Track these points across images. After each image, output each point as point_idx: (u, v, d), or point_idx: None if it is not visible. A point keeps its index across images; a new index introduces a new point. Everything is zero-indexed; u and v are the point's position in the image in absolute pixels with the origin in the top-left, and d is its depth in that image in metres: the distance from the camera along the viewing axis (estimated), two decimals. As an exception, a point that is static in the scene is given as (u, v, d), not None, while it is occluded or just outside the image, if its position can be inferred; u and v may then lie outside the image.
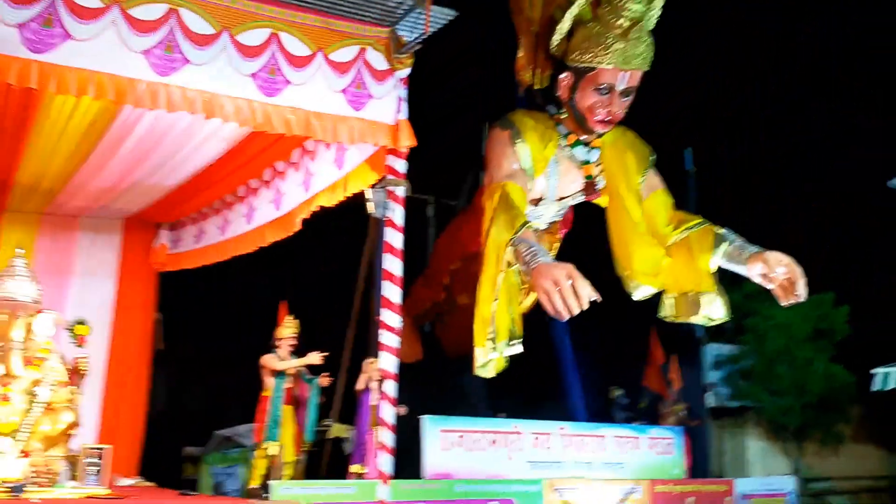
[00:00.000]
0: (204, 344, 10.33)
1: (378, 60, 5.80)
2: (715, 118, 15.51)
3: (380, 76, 5.77)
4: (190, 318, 10.01)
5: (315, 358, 7.63)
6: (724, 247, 5.12)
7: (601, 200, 5.61)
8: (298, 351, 7.87)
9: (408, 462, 8.66)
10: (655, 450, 10.44)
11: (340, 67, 5.67)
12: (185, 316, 9.78)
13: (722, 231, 5.20)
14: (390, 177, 5.83)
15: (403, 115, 5.77)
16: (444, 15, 5.54)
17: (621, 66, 4.86)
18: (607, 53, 4.85)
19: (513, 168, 5.10)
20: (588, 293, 3.97)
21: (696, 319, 5.12)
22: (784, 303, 4.93)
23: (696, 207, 12.23)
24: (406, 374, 8.28)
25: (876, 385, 10.64)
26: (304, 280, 10.99)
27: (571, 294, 3.97)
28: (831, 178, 15.74)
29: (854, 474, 13.97)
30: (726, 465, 13.35)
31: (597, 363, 12.37)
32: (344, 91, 5.68)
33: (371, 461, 7.43)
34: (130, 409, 8.76)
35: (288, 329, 7.87)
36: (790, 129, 16.46)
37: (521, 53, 5.66)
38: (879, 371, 10.65)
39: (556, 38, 5.11)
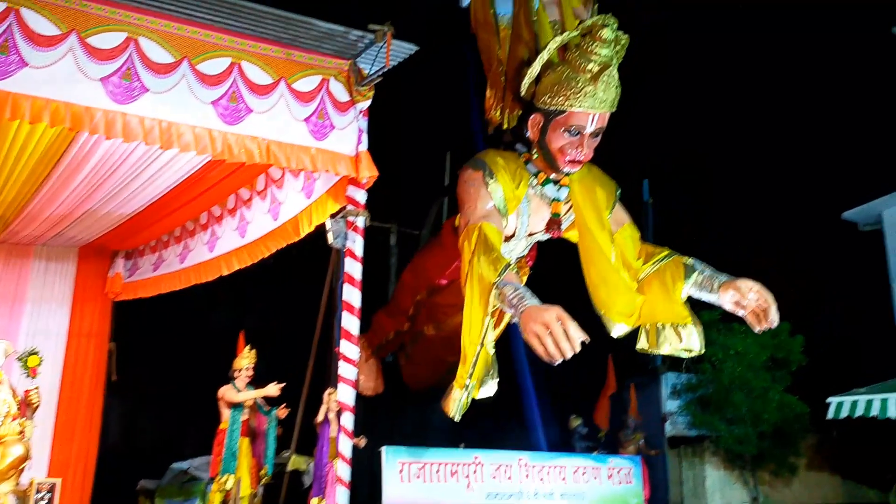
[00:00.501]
0: (159, 374, 10.15)
1: (340, 91, 5.81)
2: (672, 150, 15.79)
3: (342, 107, 5.78)
4: (145, 348, 9.85)
5: (273, 389, 7.54)
6: (694, 276, 5.19)
7: (571, 236, 5.66)
8: (256, 381, 7.78)
9: (369, 494, 8.58)
10: (615, 479, 10.48)
11: (303, 97, 5.67)
12: (141, 345, 9.63)
13: (691, 261, 5.27)
14: (350, 207, 5.83)
15: (364, 146, 5.79)
16: (404, 49, 5.58)
17: (591, 109, 4.93)
18: (577, 97, 4.91)
19: (487, 208, 5.12)
20: (579, 336, 3.96)
21: (674, 351, 5.16)
22: (757, 329, 5.01)
23: (653, 237, 12.48)
24: (368, 406, 8.24)
25: (831, 413, 10.81)
26: (263, 310, 10.89)
27: (563, 337, 3.95)
28: (786, 209, 16.10)
29: (810, 502, 14.14)
30: (685, 495, 13.43)
31: (557, 392, 12.42)
32: (307, 120, 5.66)
33: (330, 494, 7.35)
34: (83, 442, 8.58)
35: (246, 359, 7.79)
36: (747, 160, 16.82)
37: (489, 93, 5.73)
38: (834, 400, 10.83)
39: (526, 81, 5.17)
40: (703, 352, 5.16)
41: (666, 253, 5.34)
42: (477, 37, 5.97)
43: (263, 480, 7.85)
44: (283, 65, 5.62)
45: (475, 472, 9.17)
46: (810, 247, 15.64)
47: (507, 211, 5.21)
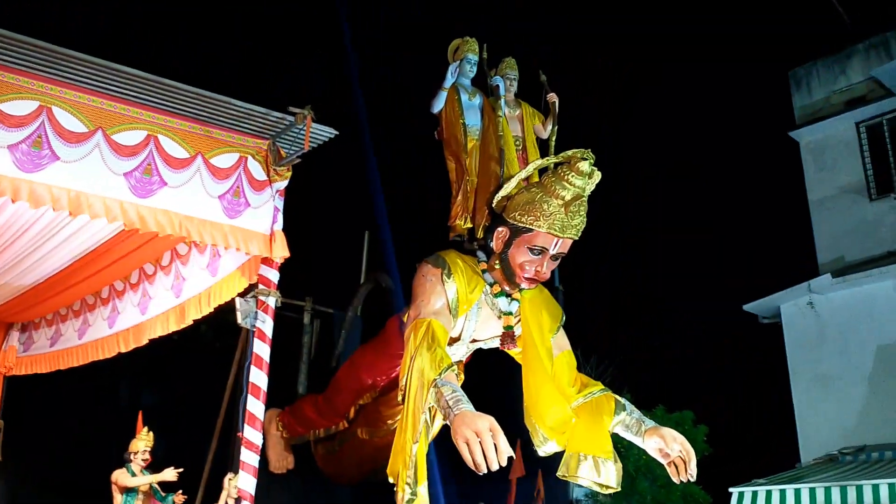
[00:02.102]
0: (50, 455, 9.60)
1: (258, 170, 5.79)
2: (583, 240, 16.25)
3: (258, 186, 5.76)
4: (36, 427, 9.34)
5: (170, 474, 7.22)
6: (623, 415, 5.32)
7: (513, 352, 5.75)
8: (154, 465, 7.45)
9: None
10: (523, 571, 10.32)
11: (220, 173, 5.62)
12: (32, 424, 9.13)
13: (623, 401, 5.43)
14: (262, 286, 5.74)
15: (279, 225, 5.75)
16: (324, 133, 5.63)
17: (557, 233, 5.12)
18: (547, 219, 5.11)
19: (439, 306, 5.19)
20: (507, 451, 3.99)
21: (591, 484, 5.23)
22: (676, 480, 5.13)
23: (566, 324, 12.64)
24: (277, 485, 8.01)
25: (734, 504, 10.96)
26: (165, 388, 10.50)
27: (492, 448, 3.97)
28: (691, 303, 16.67)
29: (715, 593, 14.16)
30: (592, 585, 13.28)
31: (467, 484, 12.26)
32: (221, 197, 5.60)
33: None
34: (-40, 529, 8.01)
35: (142, 442, 7.45)
36: (655, 251, 17.46)
37: (458, 201, 5.90)
38: (736, 490, 11.01)
39: (501, 194, 5.36)
40: (619, 489, 5.25)
41: (600, 388, 5.48)
42: (444, 144, 6.17)
43: (156, 571, 7.43)
44: (201, 140, 5.59)
45: (381, 564, 8.90)
46: (714, 337, 16.17)
47: (458, 313, 5.29)
